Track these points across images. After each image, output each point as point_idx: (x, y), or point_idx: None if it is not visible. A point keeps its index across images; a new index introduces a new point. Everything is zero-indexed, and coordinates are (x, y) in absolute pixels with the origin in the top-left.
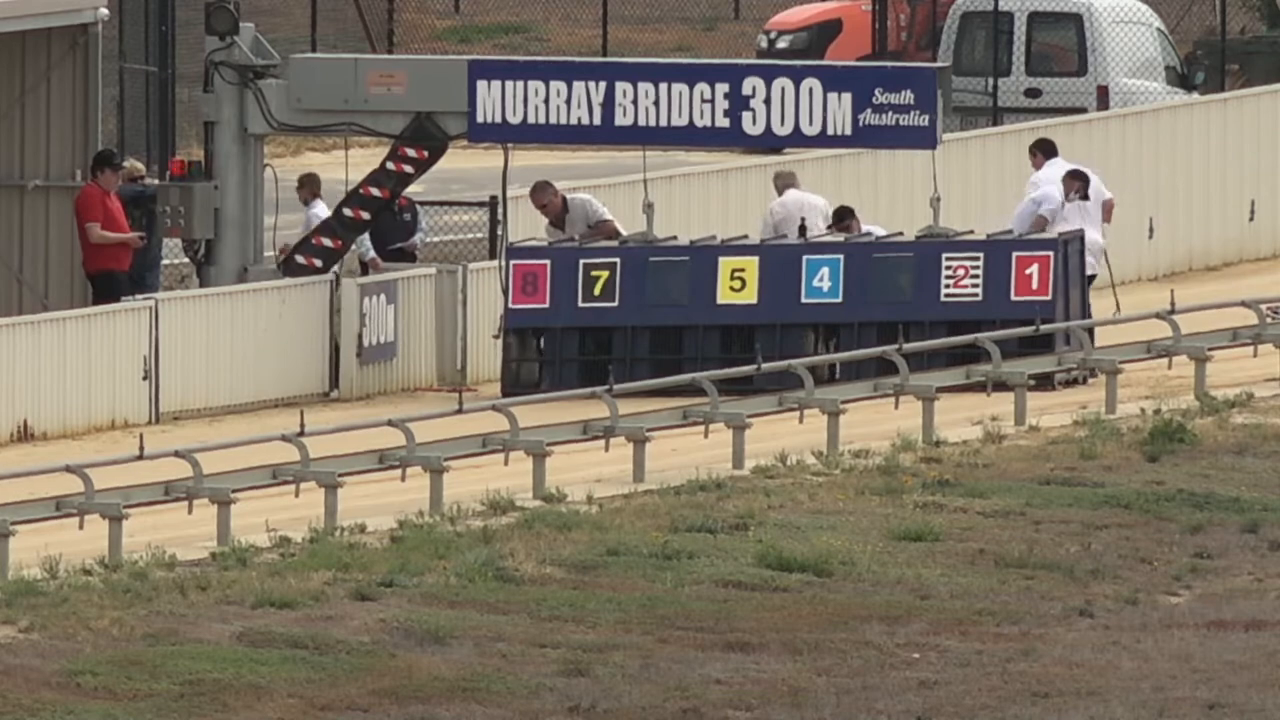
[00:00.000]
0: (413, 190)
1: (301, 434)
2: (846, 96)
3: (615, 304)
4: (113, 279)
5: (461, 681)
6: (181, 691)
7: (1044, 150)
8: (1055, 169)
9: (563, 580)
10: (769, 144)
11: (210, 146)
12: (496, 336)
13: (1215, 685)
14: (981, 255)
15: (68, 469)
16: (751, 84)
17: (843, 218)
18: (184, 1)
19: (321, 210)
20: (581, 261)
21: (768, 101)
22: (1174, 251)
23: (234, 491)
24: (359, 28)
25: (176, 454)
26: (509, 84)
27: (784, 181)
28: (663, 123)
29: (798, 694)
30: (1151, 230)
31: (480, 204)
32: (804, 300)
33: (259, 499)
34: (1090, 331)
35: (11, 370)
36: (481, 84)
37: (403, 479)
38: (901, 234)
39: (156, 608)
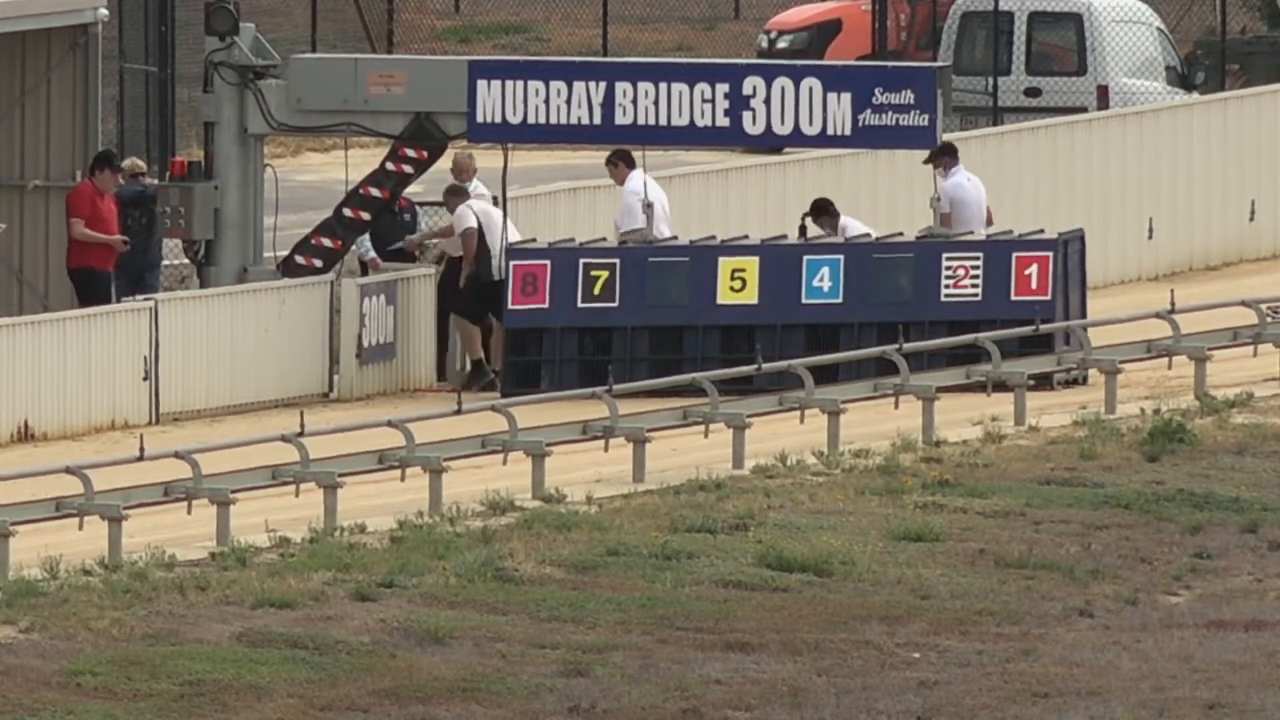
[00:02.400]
0: (413, 190)
1: (301, 434)
2: (846, 96)
3: (615, 304)
4: (93, 276)
5: (461, 681)
6: (181, 691)
7: (625, 160)
8: (638, 179)
9: (563, 580)
10: (769, 144)
11: (210, 147)
12: None
13: (1215, 685)
14: (981, 255)
15: (68, 470)
16: (751, 84)
17: (822, 211)
18: (184, 1)
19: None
20: (581, 261)
21: (768, 101)
22: (1174, 251)
23: (234, 492)
24: (359, 28)
25: (176, 455)
26: (509, 84)
27: (460, 197)
28: (663, 122)
29: (798, 694)
30: (1151, 230)
31: None
32: (804, 300)
33: (259, 499)
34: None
35: (12, 370)
36: (481, 84)
37: (402, 479)
38: (901, 234)
39: (156, 608)
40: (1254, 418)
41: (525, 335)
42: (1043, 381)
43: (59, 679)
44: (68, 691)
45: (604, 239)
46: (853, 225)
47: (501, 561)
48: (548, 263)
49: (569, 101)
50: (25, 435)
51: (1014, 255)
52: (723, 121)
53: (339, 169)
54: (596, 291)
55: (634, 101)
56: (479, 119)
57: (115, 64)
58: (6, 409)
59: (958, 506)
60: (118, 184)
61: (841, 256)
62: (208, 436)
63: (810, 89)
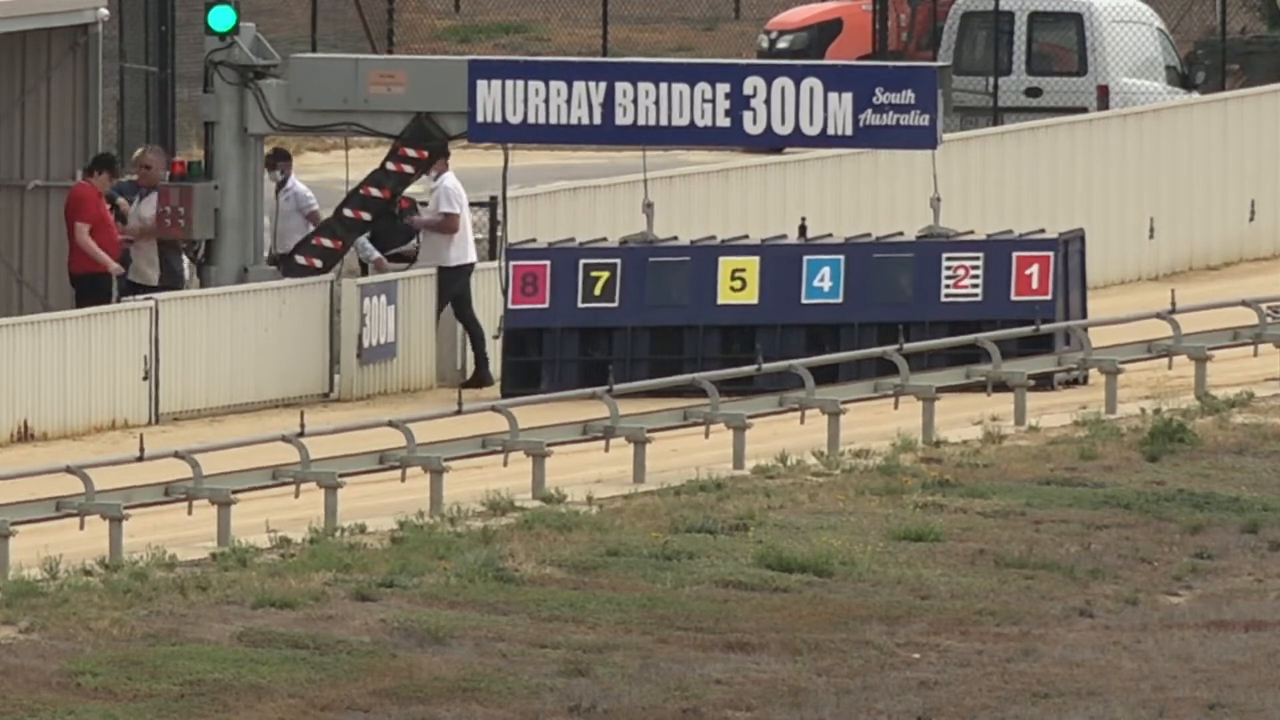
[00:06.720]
0: (413, 191)
1: (301, 434)
2: (847, 96)
3: (615, 304)
4: (96, 282)
5: (462, 681)
6: (181, 691)
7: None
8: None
9: (563, 580)
10: (769, 144)
11: (210, 146)
12: (496, 337)
13: (1215, 685)
14: (981, 255)
15: (68, 469)
16: (752, 84)
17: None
18: (184, 1)
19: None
20: (581, 262)
21: (768, 101)
22: (1174, 251)
23: (234, 492)
24: (359, 28)
25: (176, 454)
26: (509, 84)
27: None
28: (663, 123)
29: (798, 694)
30: (1151, 230)
31: (480, 204)
32: (804, 300)
33: (259, 499)
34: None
35: (12, 370)
36: (481, 84)
37: (403, 479)
38: (901, 234)
39: (157, 608)
40: (1254, 418)
41: (525, 335)
42: (1043, 381)
43: (59, 679)
44: (68, 691)
45: (604, 239)
46: (300, 190)
47: (502, 561)
48: (548, 263)
49: (569, 101)
50: (25, 435)
51: (1014, 255)
52: (723, 121)
53: (339, 169)
54: (597, 292)
55: (634, 101)
56: (479, 119)
57: (115, 64)
58: (6, 409)
59: (958, 506)
60: (109, 187)
61: (842, 257)
62: (208, 436)
63: (811, 89)
